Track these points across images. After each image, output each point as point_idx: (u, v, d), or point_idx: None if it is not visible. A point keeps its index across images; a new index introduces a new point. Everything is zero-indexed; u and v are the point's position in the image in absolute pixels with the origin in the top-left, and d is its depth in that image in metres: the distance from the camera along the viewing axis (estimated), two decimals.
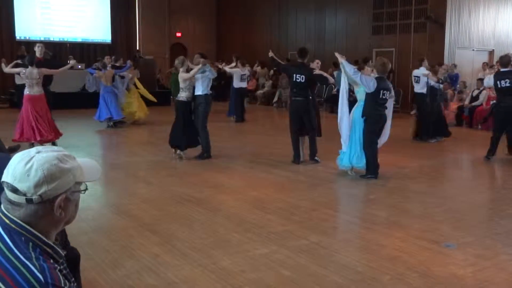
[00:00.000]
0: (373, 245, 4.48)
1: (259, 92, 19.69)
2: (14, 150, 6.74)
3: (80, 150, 9.00)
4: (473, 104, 13.34)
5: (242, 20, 23.03)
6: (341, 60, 7.07)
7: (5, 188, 1.49)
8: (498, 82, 8.49)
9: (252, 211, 5.51)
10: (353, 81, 7.08)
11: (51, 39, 21.10)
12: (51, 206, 1.49)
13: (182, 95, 8.18)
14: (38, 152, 1.50)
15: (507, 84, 8.33)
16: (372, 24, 17.51)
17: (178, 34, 23.80)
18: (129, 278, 3.75)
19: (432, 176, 7.60)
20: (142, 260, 4.08)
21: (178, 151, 8.40)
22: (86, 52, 21.35)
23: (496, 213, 5.66)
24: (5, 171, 1.49)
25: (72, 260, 2.73)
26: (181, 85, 8.19)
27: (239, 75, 13.89)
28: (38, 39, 20.93)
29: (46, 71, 9.06)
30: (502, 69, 8.63)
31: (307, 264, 4.04)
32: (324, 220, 5.23)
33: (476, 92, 13.51)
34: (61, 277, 1.44)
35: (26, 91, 8.88)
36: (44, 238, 1.49)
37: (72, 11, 21.54)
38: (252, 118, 14.63)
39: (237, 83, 13.90)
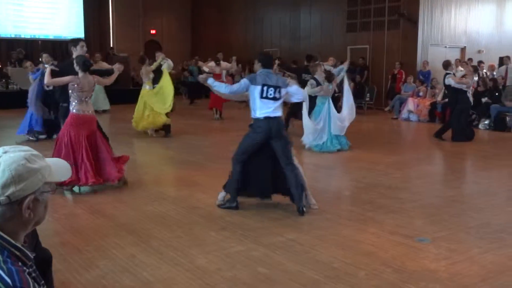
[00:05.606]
0: (349, 241, 4.51)
1: None
2: None
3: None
4: (446, 100, 13.52)
5: (217, 17, 22.95)
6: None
7: None
8: None
9: (228, 209, 5.49)
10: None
11: (22, 36, 20.75)
12: (19, 207, 1.46)
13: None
14: (5, 152, 1.47)
15: None
16: (346, 21, 17.63)
17: (153, 31, 23.62)
18: (104, 278, 3.70)
19: (405, 171, 7.70)
20: (118, 260, 4.04)
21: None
22: (58, 49, 20.94)
23: (468, 207, 5.76)
24: None
25: (44, 261, 2.69)
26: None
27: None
28: (9, 36, 20.58)
29: (98, 80, 6.44)
30: None
31: (283, 261, 4.05)
32: (299, 216, 5.24)
33: None
34: (30, 280, 1.41)
35: (77, 110, 6.09)
36: (12, 241, 1.46)
37: (44, 8, 21.21)
38: (230, 115, 14.61)
39: None
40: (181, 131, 10.97)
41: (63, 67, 6.67)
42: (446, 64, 10.72)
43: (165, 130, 10.65)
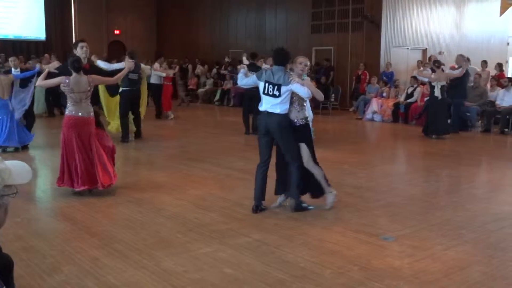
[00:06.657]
0: (315, 241, 4.56)
1: (200, 90, 19.60)
2: None
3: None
4: (408, 101, 13.82)
5: (182, 18, 22.81)
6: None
7: None
8: None
9: (194, 210, 5.47)
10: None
11: None
12: None
13: None
14: None
15: None
16: (311, 22, 17.80)
17: (117, 32, 23.30)
18: (68, 283, 3.63)
19: (370, 171, 7.82)
20: (82, 264, 3.96)
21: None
22: (18, 50, 20.36)
23: (431, 205, 5.89)
24: None
25: (5, 267, 2.62)
26: None
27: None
28: None
29: (97, 79, 6.27)
30: None
31: (250, 261, 4.06)
32: (266, 217, 5.26)
33: (411, 89, 14.00)
34: None
35: (70, 111, 5.97)
36: None
37: (3, 7, 20.64)
38: (194, 116, 14.56)
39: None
40: (144, 133, 10.85)
41: (62, 69, 6.53)
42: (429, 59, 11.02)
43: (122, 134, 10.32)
